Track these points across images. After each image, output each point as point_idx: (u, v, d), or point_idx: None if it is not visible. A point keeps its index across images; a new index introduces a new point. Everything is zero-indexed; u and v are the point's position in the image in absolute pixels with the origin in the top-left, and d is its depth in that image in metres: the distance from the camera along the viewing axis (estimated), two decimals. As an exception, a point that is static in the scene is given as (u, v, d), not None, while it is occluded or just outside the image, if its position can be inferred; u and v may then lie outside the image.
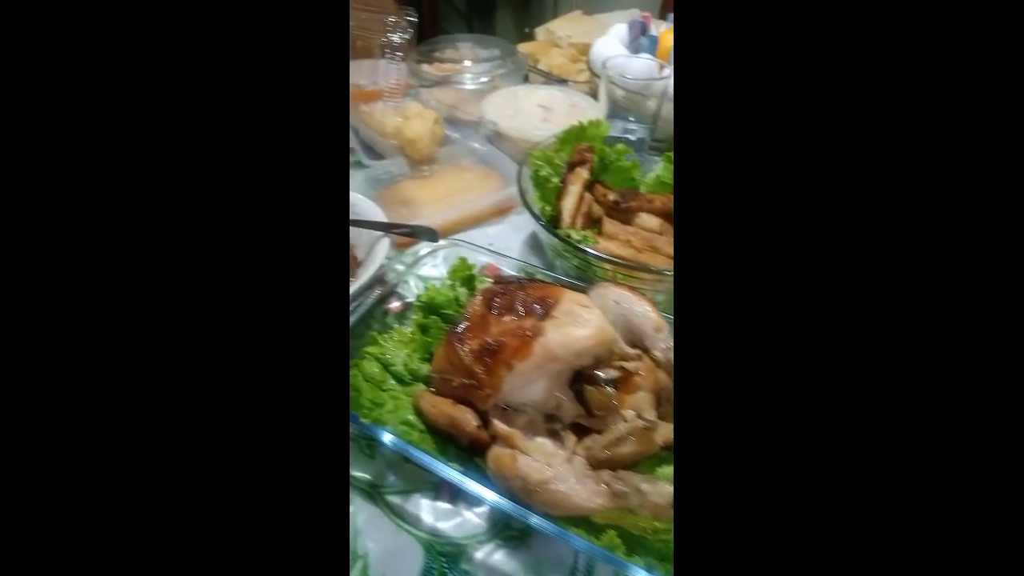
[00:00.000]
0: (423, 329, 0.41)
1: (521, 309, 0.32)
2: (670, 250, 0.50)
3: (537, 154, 0.49)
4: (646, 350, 0.35)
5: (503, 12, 2.22)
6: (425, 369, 0.38)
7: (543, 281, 0.37)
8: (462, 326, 0.33)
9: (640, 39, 0.68)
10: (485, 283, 0.46)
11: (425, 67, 0.78)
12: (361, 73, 0.73)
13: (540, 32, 0.98)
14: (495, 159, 0.63)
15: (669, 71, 0.58)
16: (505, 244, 0.55)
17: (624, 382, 0.32)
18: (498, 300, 0.33)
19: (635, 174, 0.56)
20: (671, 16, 0.75)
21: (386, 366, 0.38)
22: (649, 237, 0.51)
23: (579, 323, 0.29)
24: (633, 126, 0.62)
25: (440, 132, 0.63)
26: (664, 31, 0.71)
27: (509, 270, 0.49)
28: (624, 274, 0.41)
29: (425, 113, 0.62)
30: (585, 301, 0.31)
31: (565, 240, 0.42)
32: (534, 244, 0.56)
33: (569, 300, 0.31)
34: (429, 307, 0.42)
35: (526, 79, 0.87)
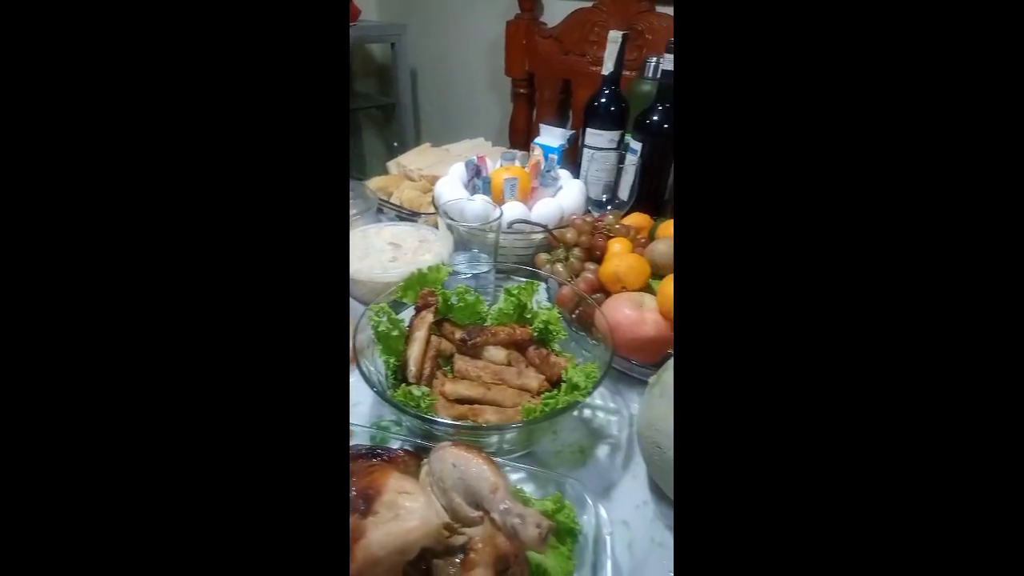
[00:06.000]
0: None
1: (346, 504, 0.30)
2: (519, 380, 0.52)
3: (374, 308, 0.50)
4: (486, 511, 0.35)
5: (368, 130, 2.35)
6: None
7: (374, 456, 0.36)
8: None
9: (475, 180, 0.75)
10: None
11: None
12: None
13: (392, 166, 1.04)
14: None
15: (499, 211, 0.65)
16: (356, 396, 0.54)
17: (462, 560, 0.31)
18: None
19: (480, 308, 0.59)
20: (506, 154, 0.84)
21: None
22: (498, 370, 0.54)
23: (402, 516, 0.29)
24: (478, 258, 0.67)
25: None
26: (495, 171, 0.79)
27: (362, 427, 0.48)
28: (466, 435, 0.42)
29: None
30: (409, 487, 0.31)
31: (400, 408, 0.42)
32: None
33: (392, 489, 0.31)
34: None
35: (380, 211, 0.91)
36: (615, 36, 0.80)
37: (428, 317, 0.54)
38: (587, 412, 0.56)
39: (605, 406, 0.57)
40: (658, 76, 0.82)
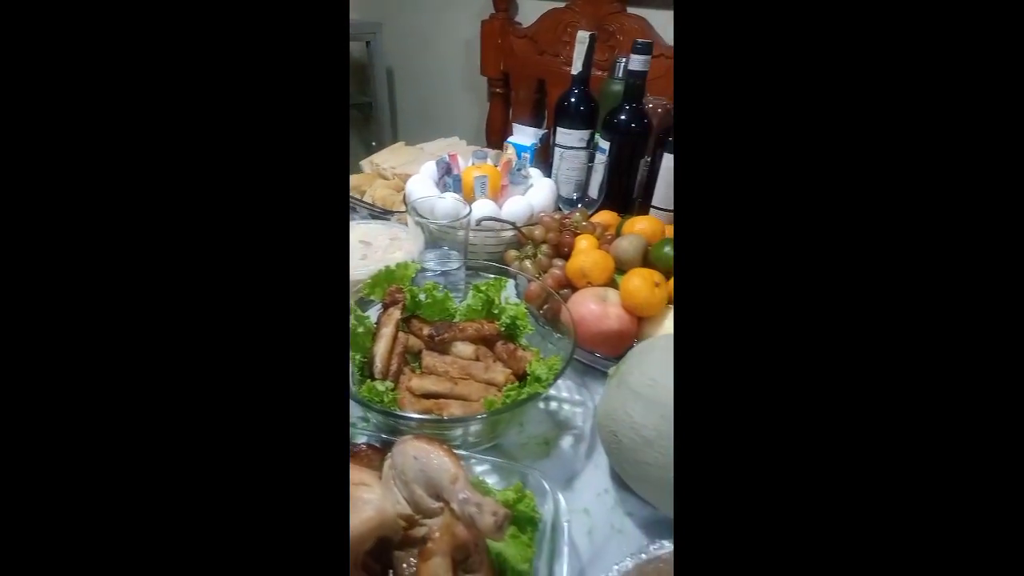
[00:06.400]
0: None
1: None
2: (486, 375, 0.53)
3: (342, 306, 0.50)
4: (446, 502, 0.35)
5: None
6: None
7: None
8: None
9: (446, 178, 0.76)
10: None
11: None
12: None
13: (366, 164, 1.04)
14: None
15: (468, 208, 0.65)
16: (325, 393, 0.54)
17: (420, 550, 0.32)
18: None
19: (449, 305, 0.60)
20: (477, 152, 0.85)
21: None
22: (465, 365, 0.55)
23: (357, 507, 0.30)
24: (449, 255, 0.67)
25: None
26: (466, 168, 0.80)
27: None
28: (430, 428, 0.43)
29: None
30: (367, 479, 0.32)
31: (364, 403, 0.42)
32: (358, 386, 0.56)
33: (351, 481, 0.31)
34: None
35: (353, 210, 0.91)
36: (583, 36, 0.81)
37: (395, 314, 0.55)
38: (553, 404, 0.57)
39: (571, 398, 0.58)
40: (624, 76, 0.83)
